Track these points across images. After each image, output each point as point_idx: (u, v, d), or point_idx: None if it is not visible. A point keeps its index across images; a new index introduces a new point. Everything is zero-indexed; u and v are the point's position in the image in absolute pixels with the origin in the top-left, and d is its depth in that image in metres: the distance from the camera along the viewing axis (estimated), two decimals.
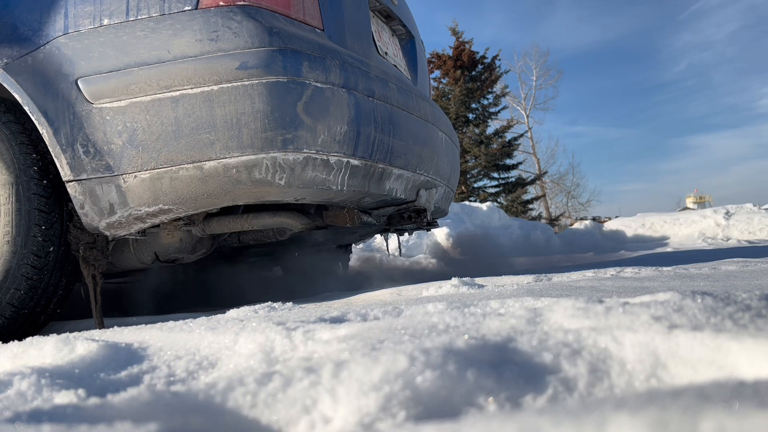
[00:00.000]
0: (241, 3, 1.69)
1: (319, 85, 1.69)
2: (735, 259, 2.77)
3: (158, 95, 1.63)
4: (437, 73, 19.92)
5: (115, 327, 1.33)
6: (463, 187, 18.55)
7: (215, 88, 1.61)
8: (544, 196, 23.37)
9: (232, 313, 1.52)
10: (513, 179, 19.72)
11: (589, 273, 2.15)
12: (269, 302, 1.70)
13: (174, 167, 1.64)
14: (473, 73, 19.82)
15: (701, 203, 39.34)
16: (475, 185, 19.57)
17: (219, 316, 1.50)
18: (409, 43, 2.75)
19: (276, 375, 0.62)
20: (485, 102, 19.88)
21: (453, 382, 0.59)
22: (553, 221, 21.62)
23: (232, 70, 1.60)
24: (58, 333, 1.23)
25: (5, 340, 1.60)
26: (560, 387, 0.60)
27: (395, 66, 2.43)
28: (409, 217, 2.44)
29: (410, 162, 2.11)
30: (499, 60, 20.27)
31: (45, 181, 1.74)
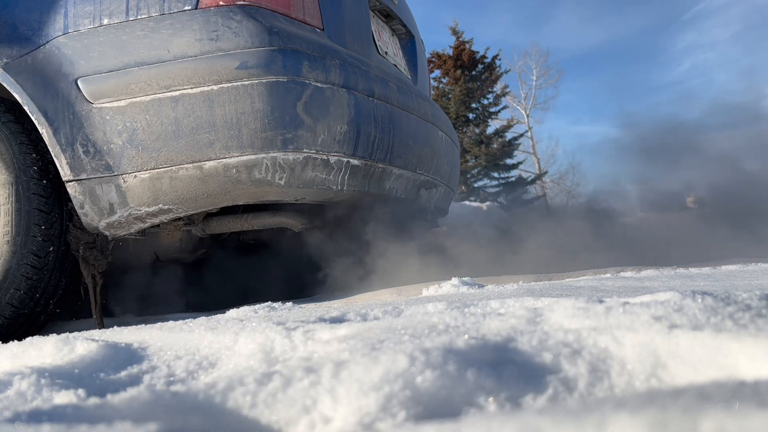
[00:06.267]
0: (241, 2, 1.69)
1: (319, 84, 1.69)
2: (735, 259, 2.76)
3: (158, 95, 1.63)
4: (437, 72, 19.91)
5: (115, 327, 1.33)
6: (463, 187, 18.54)
7: (215, 87, 1.61)
8: (544, 196, 23.35)
9: (232, 313, 1.52)
10: (513, 179, 19.70)
11: (589, 273, 2.14)
12: (269, 302, 1.69)
13: (174, 167, 1.64)
14: (473, 72, 19.80)
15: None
16: (475, 185, 19.55)
17: (219, 316, 1.50)
18: (409, 42, 2.75)
19: (276, 375, 0.62)
20: (485, 102, 19.86)
21: (453, 382, 0.59)
22: None
23: (231, 70, 1.60)
24: (58, 333, 1.22)
25: (5, 340, 1.60)
26: (560, 387, 0.60)
27: (395, 66, 2.43)
28: None
29: (410, 162, 2.11)
30: (500, 60, 20.25)
31: (45, 181, 1.74)
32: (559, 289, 1.48)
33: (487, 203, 8.54)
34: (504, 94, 20.55)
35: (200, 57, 1.62)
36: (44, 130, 1.68)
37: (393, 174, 2.03)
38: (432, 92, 3.48)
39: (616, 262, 2.37)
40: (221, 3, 1.68)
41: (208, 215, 1.95)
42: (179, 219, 1.85)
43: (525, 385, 0.60)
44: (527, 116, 26.13)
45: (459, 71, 19.30)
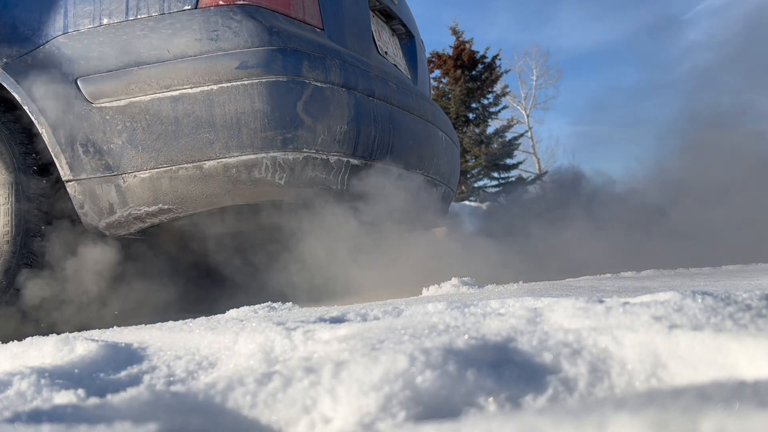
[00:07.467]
0: (241, 2, 1.69)
1: (319, 84, 1.69)
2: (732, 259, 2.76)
3: (158, 95, 1.63)
4: (437, 72, 19.91)
5: (115, 327, 1.33)
6: (463, 187, 18.53)
7: (215, 87, 1.61)
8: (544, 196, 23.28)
9: (232, 313, 1.52)
10: (513, 179, 19.70)
11: (589, 273, 2.14)
12: (269, 302, 1.69)
13: (174, 167, 1.64)
14: (473, 72, 19.80)
15: None
16: (475, 185, 19.55)
17: (219, 316, 1.50)
18: (409, 42, 2.75)
19: (276, 375, 0.62)
20: (485, 102, 19.86)
21: (453, 382, 0.59)
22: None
23: (231, 70, 1.60)
24: (58, 333, 1.22)
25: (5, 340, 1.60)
26: (560, 387, 0.60)
27: (395, 65, 2.43)
28: None
29: (410, 162, 2.10)
30: (500, 60, 20.24)
31: (45, 181, 1.74)
32: (559, 289, 1.48)
33: (487, 203, 8.53)
34: (504, 94, 20.55)
35: (200, 57, 1.62)
36: (44, 130, 1.68)
37: (393, 174, 2.03)
38: (432, 92, 3.48)
39: None
40: (221, 3, 1.68)
41: (208, 215, 1.95)
42: (179, 219, 1.85)
43: (525, 385, 0.60)
44: (527, 116, 26.09)
45: (459, 71, 19.30)
